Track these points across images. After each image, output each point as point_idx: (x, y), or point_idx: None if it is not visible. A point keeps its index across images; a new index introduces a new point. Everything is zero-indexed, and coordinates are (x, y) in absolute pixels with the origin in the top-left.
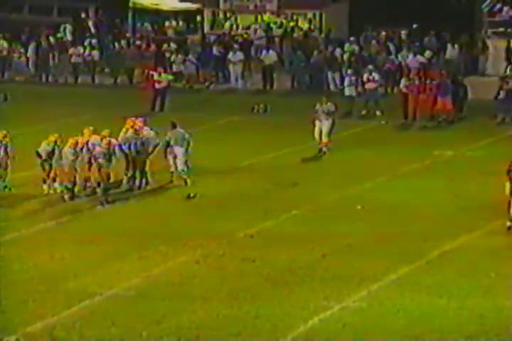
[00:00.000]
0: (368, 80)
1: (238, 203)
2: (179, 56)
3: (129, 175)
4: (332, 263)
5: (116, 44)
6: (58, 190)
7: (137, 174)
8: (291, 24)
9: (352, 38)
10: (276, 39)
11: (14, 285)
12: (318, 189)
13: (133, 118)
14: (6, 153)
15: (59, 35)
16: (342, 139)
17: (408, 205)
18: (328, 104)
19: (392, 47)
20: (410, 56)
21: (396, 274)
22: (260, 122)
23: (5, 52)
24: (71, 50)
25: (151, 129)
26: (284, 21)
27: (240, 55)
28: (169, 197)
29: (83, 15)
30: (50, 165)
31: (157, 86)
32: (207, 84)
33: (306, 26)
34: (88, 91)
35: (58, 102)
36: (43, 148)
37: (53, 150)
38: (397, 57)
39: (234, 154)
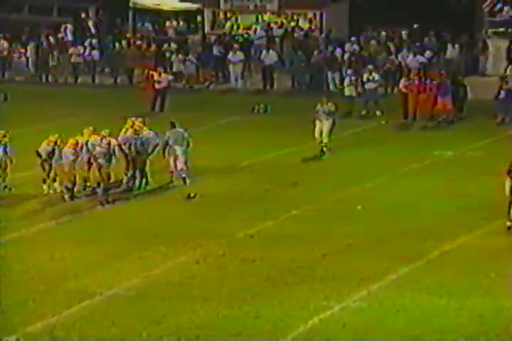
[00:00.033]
0: (368, 80)
1: (238, 203)
2: (179, 56)
3: (129, 175)
4: (332, 263)
5: (116, 44)
6: (58, 190)
7: (137, 174)
8: (292, 24)
9: (352, 38)
10: (277, 39)
11: (14, 285)
12: (318, 189)
13: (133, 118)
14: (6, 152)
15: (59, 35)
16: (342, 139)
17: (408, 205)
18: (329, 104)
19: (392, 47)
20: (410, 56)
21: (396, 274)
22: (260, 122)
23: (5, 52)
24: (71, 50)
25: (150, 129)
26: (284, 21)
27: (240, 55)
28: (169, 197)
29: (83, 15)
30: (50, 165)
31: (157, 86)
32: (207, 84)
33: (306, 26)
34: (88, 91)
35: (58, 102)
36: (43, 148)
37: (53, 150)
38: (397, 57)
39: (234, 154)
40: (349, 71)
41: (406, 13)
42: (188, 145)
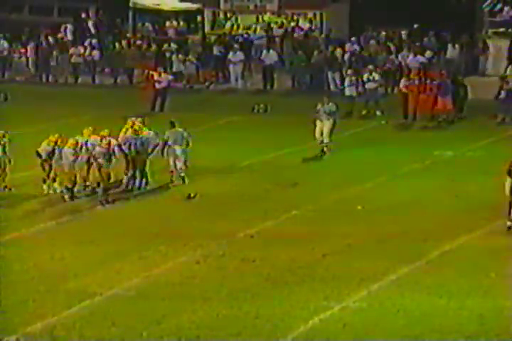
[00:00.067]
0: (368, 80)
1: (238, 203)
2: (179, 56)
3: (129, 175)
4: (332, 263)
5: (116, 44)
6: (58, 190)
7: (137, 174)
8: (292, 24)
9: (352, 38)
10: (277, 39)
11: (14, 285)
12: (319, 189)
13: (133, 118)
14: (5, 152)
15: (59, 35)
16: (342, 139)
17: (408, 205)
18: (330, 104)
19: (392, 47)
20: (410, 56)
21: (396, 274)
22: (260, 122)
23: (5, 53)
24: (71, 50)
25: (149, 129)
26: (284, 21)
27: (240, 55)
28: (169, 197)
29: (83, 15)
30: (50, 165)
31: (157, 86)
32: (207, 84)
33: (306, 26)
34: (88, 91)
35: (58, 102)
36: (43, 148)
37: (53, 150)
38: (397, 57)
39: (234, 154)
40: (349, 71)
41: (406, 13)
42: (187, 144)
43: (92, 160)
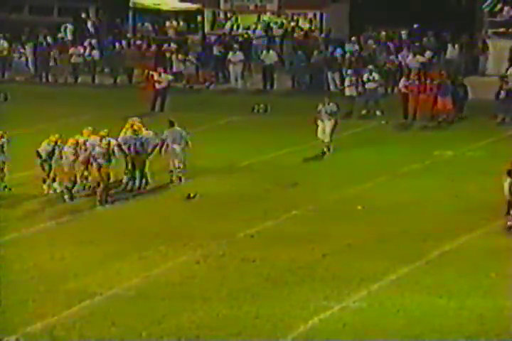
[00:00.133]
0: (368, 80)
1: (238, 203)
2: (179, 56)
3: (129, 175)
4: (332, 263)
5: (116, 44)
6: (58, 190)
7: (137, 174)
8: (292, 24)
9: (352, 38)
10: (277, 39)
11: (14, 285)
12: (319, 189)
13: (133, 119)
14: (3, 152)
15: (59, 35)
16: (342, 139)
17: (408, 205)
18: (331, 104)
19: (392, 47)
20: (410, 56)
21: (396, 274)
22: (260, 122)
23: (5, 52)
24: (71, 50)
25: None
26: (284, 21)
27: (240, 55)
28: (169, 197)
29: (83, 15)
30: (50, 165)
31: (157, 86)
32: (207, 84)
33: (306, 26)
34: (88, 91)
35: (58, 102)
36: (43, 148)
37: (53, 150)
38: (397, 57)
39: (234, 154)
40: (349, 71)
41: (406, 13)
42: (186, 144)
43: (92, 160)
